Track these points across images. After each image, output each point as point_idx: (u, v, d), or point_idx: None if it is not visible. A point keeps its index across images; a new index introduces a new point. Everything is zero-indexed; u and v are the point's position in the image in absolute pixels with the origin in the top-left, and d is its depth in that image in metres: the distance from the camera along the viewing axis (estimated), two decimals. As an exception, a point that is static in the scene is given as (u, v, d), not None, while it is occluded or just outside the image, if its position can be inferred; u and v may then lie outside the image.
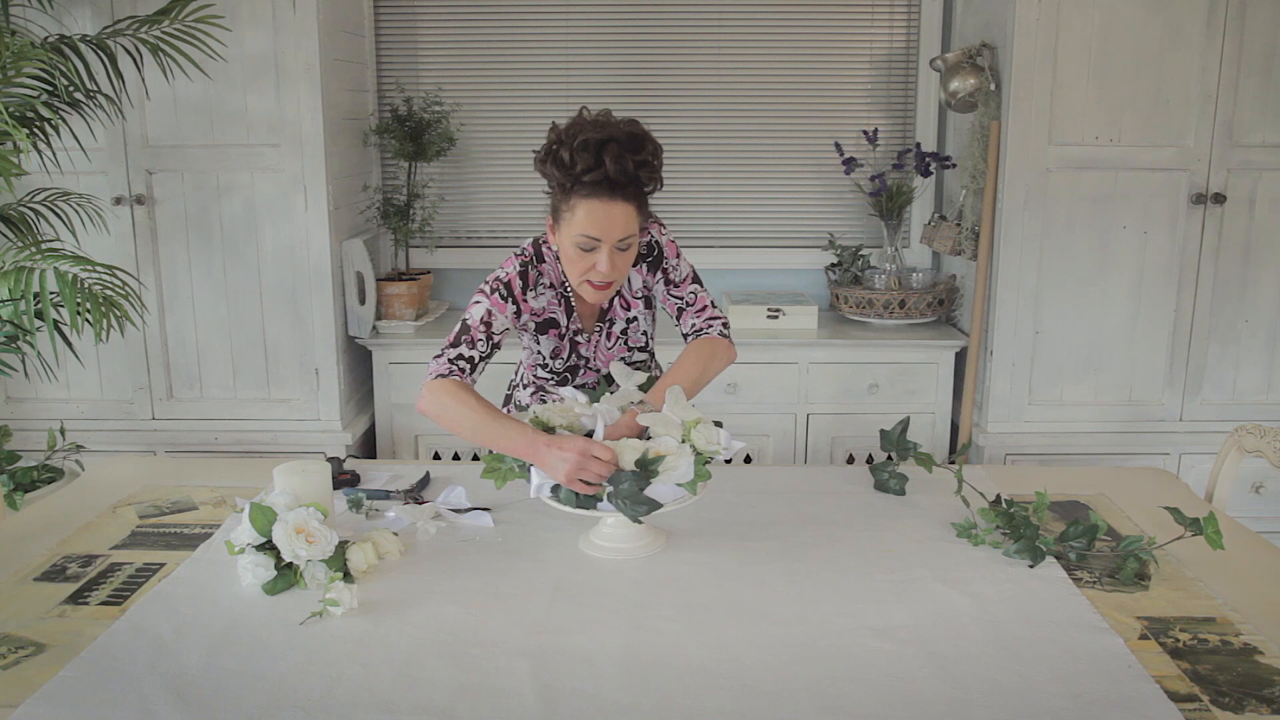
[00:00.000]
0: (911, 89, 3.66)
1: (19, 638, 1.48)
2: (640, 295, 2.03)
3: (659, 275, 2.00)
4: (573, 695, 1.33)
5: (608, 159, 1.71)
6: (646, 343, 2.10)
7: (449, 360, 1.85)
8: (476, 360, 1.86)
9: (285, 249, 3.11)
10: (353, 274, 3.26)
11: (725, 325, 2.03)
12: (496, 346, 1.89)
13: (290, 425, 3.21)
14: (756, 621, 1.52)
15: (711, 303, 2.05)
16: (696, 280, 2.04)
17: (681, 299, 2.02)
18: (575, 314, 2.01)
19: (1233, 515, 2.06)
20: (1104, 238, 3.07)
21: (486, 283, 1.93)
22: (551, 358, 2.04)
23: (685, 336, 2.04)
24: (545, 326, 2.00)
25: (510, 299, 1.91)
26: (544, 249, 1.97)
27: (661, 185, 1.83)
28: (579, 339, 2.03)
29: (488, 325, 1.88)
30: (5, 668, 1.40)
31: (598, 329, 2.04)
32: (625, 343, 2.06)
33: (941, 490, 2.04)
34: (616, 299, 2.03)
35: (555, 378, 2.07)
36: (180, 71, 2.75)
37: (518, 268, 1.93)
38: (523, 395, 2.18)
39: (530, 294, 1.94)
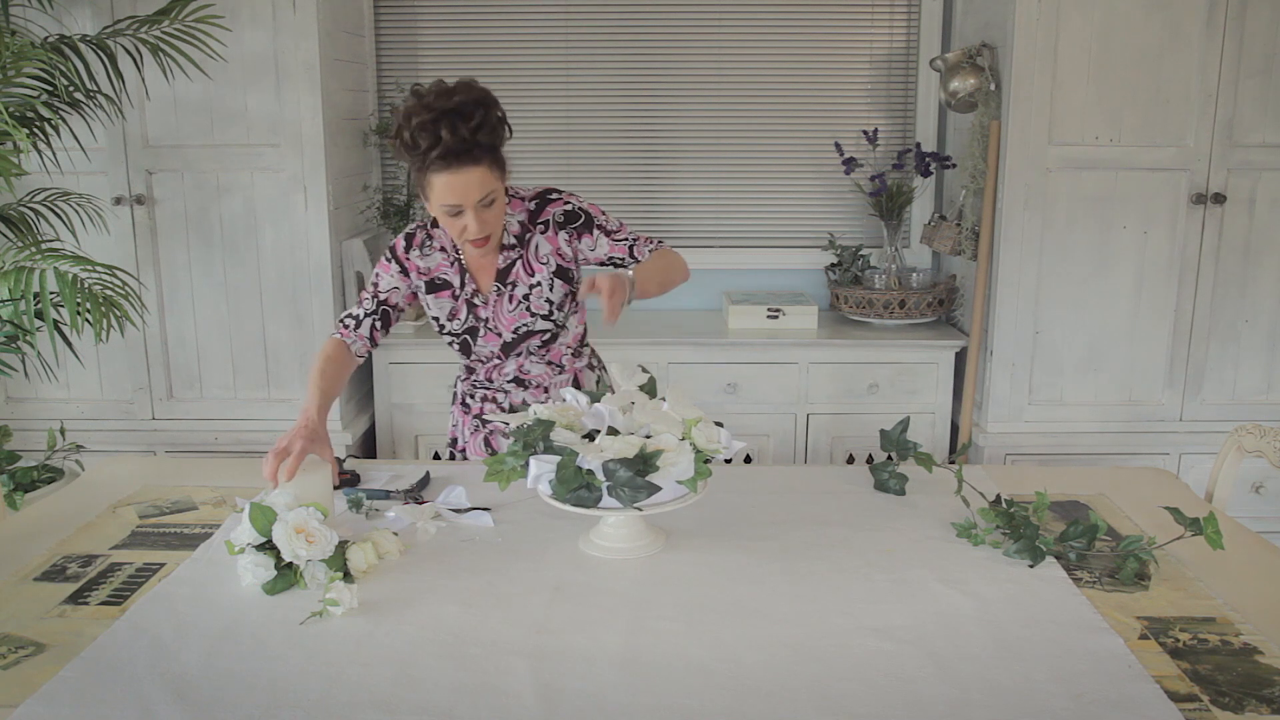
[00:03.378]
0: (911, 89, 3.66)
1: (19, 638, 1.48)
2: (547, 262, 2.08)
3: (596, 234, 2.08)
4: (573, 695, 1.33)
5: (444, 132, 1.82)
6: (550, 311, 2.11)
7: (338, 319, 2.10)
8: (361, 317, 2.08)
9: (285, 249, 3.11)
10: (353, 274, 3.26)
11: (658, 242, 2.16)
12: (386, 304, 2.08)
13: (290, 425, 3.19)
14: (756, 621, 1.52)
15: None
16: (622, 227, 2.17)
17: (626, 239, 2.10)
18: (469, 275, 2.10)
19: (1233, 515, 2.06)
20: (1104, 238, 3.07)
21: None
22: (449, 319, 2.13)
23: (635, 259, 2.11)
24: (435, 287, 2.11)
25: (393, 259, 2.10)
26: None
27: (510, 133, 1.93)
28: (476, 300, 2.11)
29: (375, 285, 2.09)
30: (5, 668, 1.40)
31: (496, 290, 2.10)
32: (528, 308, 2.11)
33: (941, 490, 2.04)
34: (520, 264, 2.09)
35: (456, 340, 2.14)
36: (180, 71, 2.75)
37: (406, 232, 2.12)
38: (460, 388, 2.29)
39: (415, 253, 2.10)
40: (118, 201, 3.08)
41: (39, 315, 2.47)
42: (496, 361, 2.17)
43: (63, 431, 3.04)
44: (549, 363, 2.18)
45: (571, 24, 3.60)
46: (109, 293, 2.49)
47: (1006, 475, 2.17)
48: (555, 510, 1.76)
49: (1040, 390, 3.17)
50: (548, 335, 2.14)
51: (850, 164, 3.49)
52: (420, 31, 3.62)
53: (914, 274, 3.56)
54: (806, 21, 3.61)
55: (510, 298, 2.10)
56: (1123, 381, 3.18)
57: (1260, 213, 3.06)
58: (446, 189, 1.87)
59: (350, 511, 1.93)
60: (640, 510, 1.67)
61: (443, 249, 2.10)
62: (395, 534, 1.78)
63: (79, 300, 2.39)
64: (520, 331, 2.11)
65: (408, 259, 2.09)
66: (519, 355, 2.16)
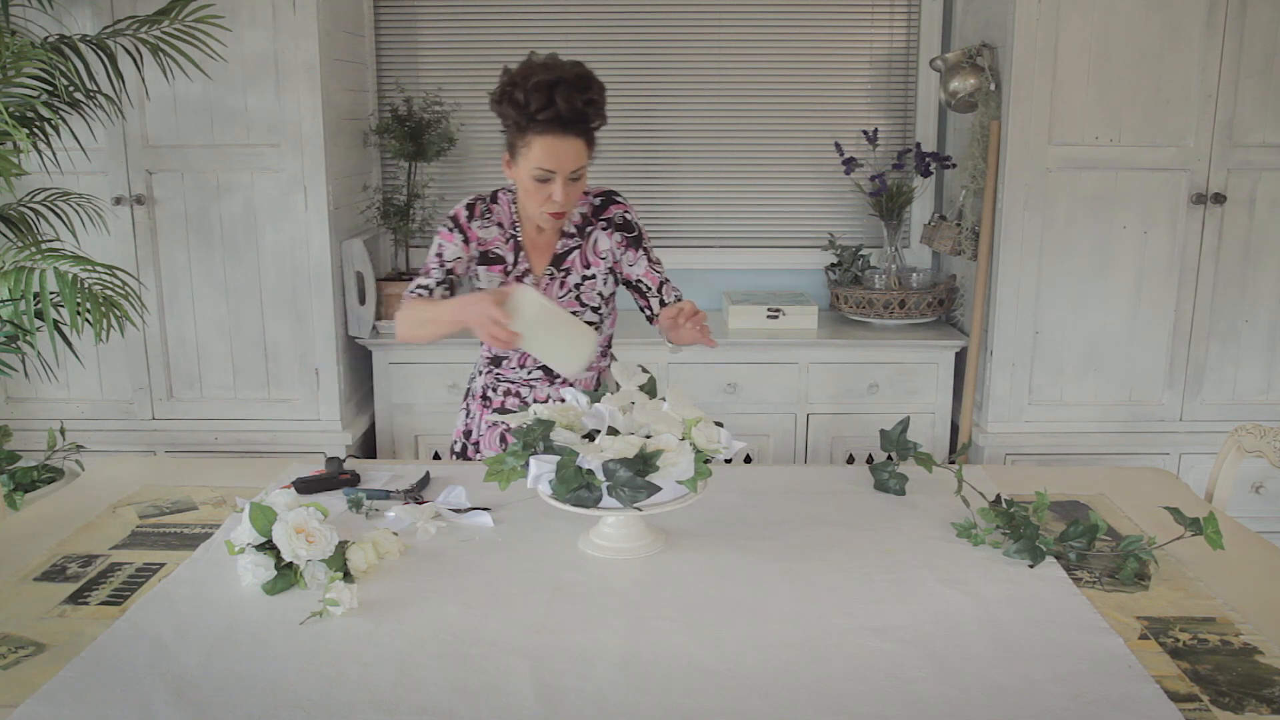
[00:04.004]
0: (911, 89, 3.66)
1: (19, 638, 1.48)
2: (605, 257, 2.14)
3: (640, 253, 2.14)
4: (573, 695, 1.33)
5: (559, 98, 1.87)
6: (600, 304, 2.16)
7: (409, 292, 2.08)
8: (432, 286, 2.07)
9: (285, 249, 3.11)
10: (353, 274, 3.26)
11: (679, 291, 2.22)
12: (452, 273, 2.09)
13: (290, 425, 3.21)
14: (756, 621, 1.52)
15: None
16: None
17: (660, 273, 2.17)
18: (524, 254, 2.13)
19: (1233, 515, 2.06)
20: (1104, 238, 3.07)
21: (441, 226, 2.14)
22: None
23: (661, 302, 2.16)
24: (489, 260, 2.13)
25: (456, 229, 2.11)
26: (500, 194, 2.15)
27: (605, 121, 2.00)
28: (526, 280, 2.13)
29: (440, 256, 2.10)
30: (5, 668, 1.40)
31: (549, 274, 2.13)
32: (578, 298, 2.14)
33: (941, 490, 2.04)
34: (578, 253, 2.13)
35: None
36: (180, 71, 2.75)
37: (467, 202, 2.13)
38: (479, 382, 2.28)
39: (476, 224, 2.11)
40: (118, 201, 3.08)
41: (39, 315, 2.47)
42: None
43: (63, 431, 3.04)
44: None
45: (571, 24, 3.60)
46: (109, 293, 2.49)
47: (1006, 475, 2.17)
48: (555, 510, 1.76)
49: (1040, 390, 3.17)
50: (591, 324, 2.16)
51: (850, 164, 3.49)
52: (420, 31, 3.63)
53: (914, 274, 3.56)
54: (806, 21, 3.61)
55: (562, 284, 2.13)
56: (1123, 381, 3.18)
57: (1260, 213, 3.06)
58: (546, 153, 1.91)
59: (350, 511, 1.94)
60: (640, 510, 1.67)
61: (499, 224, 2.12)
62: (395, 534, 1.78)
63: (79, 300, 2.39)
64: None
65: (469, 227, 2.10)
66: None
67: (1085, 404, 3.18)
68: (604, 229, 2.13)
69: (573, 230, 2.13)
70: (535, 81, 1.87)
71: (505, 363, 2.22)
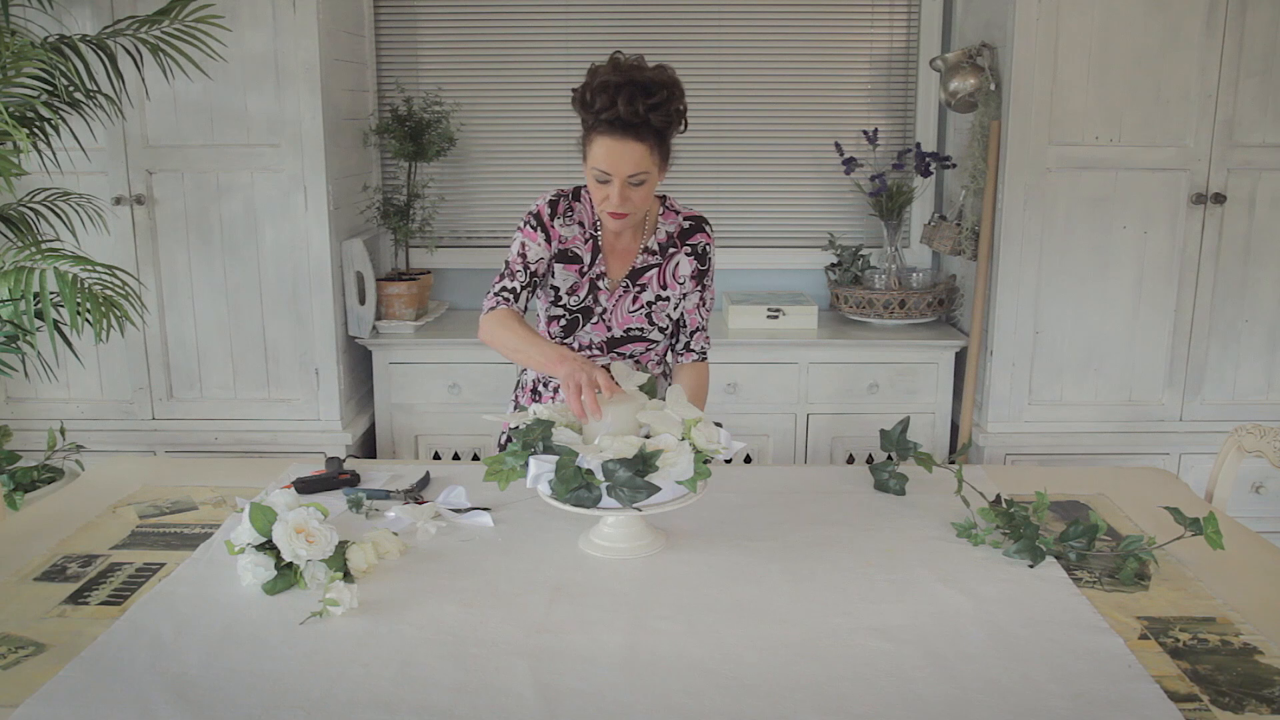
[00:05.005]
0: (911, 89, 3.66)
1: (19, 638, 1.48)
2: (683, 282, 2.14)
3: (698, 289, 2.16)
4: (573, 695, 1.33)
5: (620, 101, 1.85)
6: (668, 325, 2.16)
7: (495, 294, 2.05)
8: (519, 290, 2.04)
9: (285, 249, 3.11)
10: (353, 274, 3.26)
11: (709, 343, 2.24)
12: (536, 274, 2.06)
13: (290, 425, 3.21)
14: (756, 621, 1.52)
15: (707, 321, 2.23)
16: (713, 302, 2.23)
17: (703, 320, 2.19)
18: (602, 257, 2.11)
19: (1233, 515, 2.06)
20: (1104, 238, 3.07)
21: (522, 220, 2.09)
22: (568, 293, 2.11)
23: (686, 346, 2.19)
24: (566, 258, 2.09)
25: (539, 227, 2.07)
26: (584, 191, 2.11)
27: (684, 127, 1.97)
28: (600, 284, 2.11)
29: (523, 256, 2.05)
30: (5, 668, 1.40)
31: (625, 285, 2.11)
32: (648, 315, 2.13)
33: (941, 490, 2.04)
34: (656, 272, 2.11)
35: (567, 316, 2.12)
36: (180, 71, 2.75)
37: (549, 198, 2.09)
38: (530, 374, 2.25)
39: (558, 221, 2.08)
40: (118, 201, 3.07)
41: (39, 315, 2.47)
42: (594, 354, 2.16)
43: (63, 431, 3.04)
44: (636, 363, 2.19)
45: (571, 24, 3.60)
46: (109, 293, 2.49)
47: (1006, 475, 2.17)
48: (555, 510, 1.76)
49: (1040, 390, 3.17)
50: (653, 344, 2.17)
51: (850, 164, 3.49)
52: (420, 31, 3.62)
53: (914, 274, 3.56)
54: (806, 21, 3.61)
55: (634, 298, 2.12)
56: (1123, 381, 3.18)
57: (1260, 213, 3.06)
58: (603, 154, 1.89)
59: (350, 511, 1.94)
60: (639, 510, 1.67)
61: (581, 223, 2.10)
62: (395, 534, 1.78)
63: (79, 300, 2.38)
64: (630, 333, 2.13)
65: (552, 225, 2.07)
66: (618, 353, 2.16)
67: (1085, 404, 3.18)
68: (687, 254, 2.12)
69: (655, 248, 2.11)
70: (601, 81, 1.86)
71: None
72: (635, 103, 1.84)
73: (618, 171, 1.90)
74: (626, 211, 1.96)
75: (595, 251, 2.10)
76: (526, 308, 2.06)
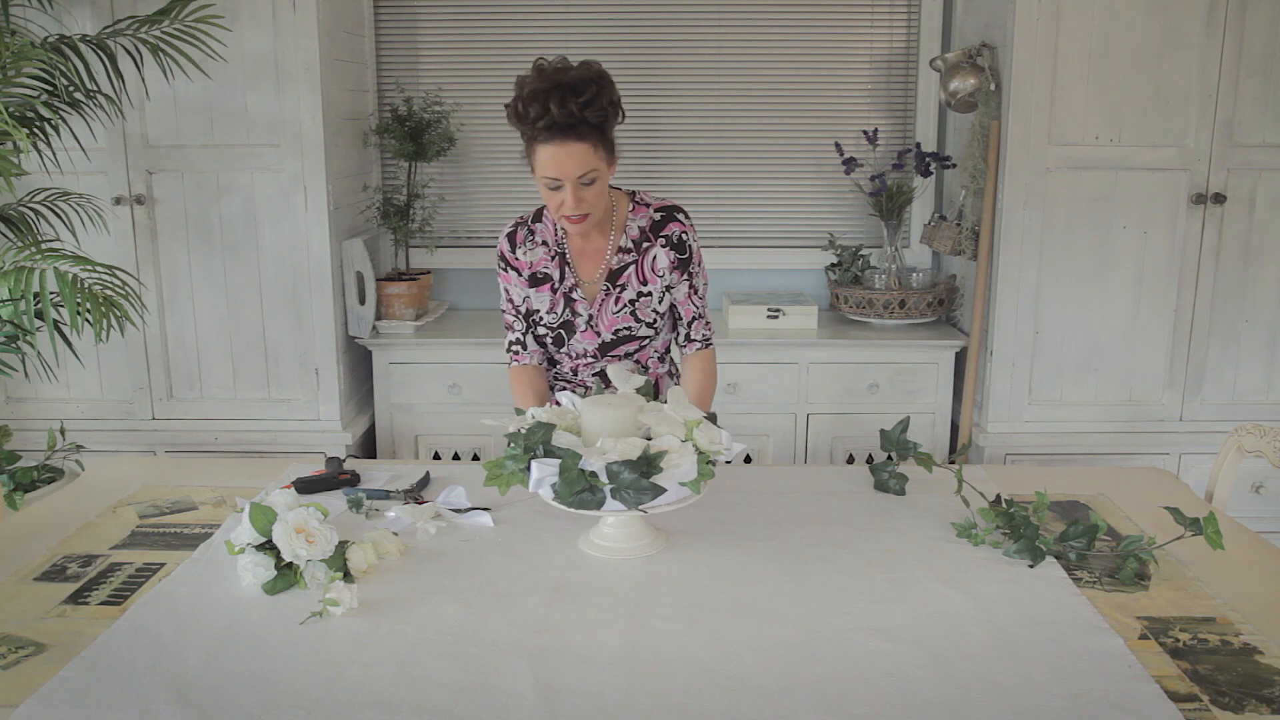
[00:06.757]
0: (911, 89, 3.66)
1: (19, 638, 1.48)
2: (662, 275, 2.12)
3: (684, 278, 2.14)
4: (573, 695, 1.33)
5: (553, 105, 1.85)
6: (655, 320, 2.15)
7: (507, 349, 2.19)
8: (522, 337, 2.17)
9: (285, 249, 3.11)
10: (353, 274, 3.26)
11: (710, 329, 2.23)
12: (530, 313, 2.15)
13: (290, 425, 3.21)
14: (756, 621, 1.52)
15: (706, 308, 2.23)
16: (706, 288, 2.21)
17: (698, 309, 2.17)
18: (570, 269, 2.12)
19: (1233, 515, 2.06)
20: (1104, 237, 3.07)
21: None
22: (548, 312, 2.14)
23: (687, 337, 2.19)
24: (537, 281, 2.13)
25: (508, 267, 2.14)
26: (544, 211, 2.14)
27: (621, 117, 1.96)
28: (575, 295, 2.12)
29: (511, 302, 2.15)
30: (5, 668, 1.40)
31: (605, 289, 2.11)
32: (633, 313, 2.13)
33: (941, 490, 2.04)
34: (634, 269, 2.10)
35: (551, 333, 2.16)
36: (180, 71, 2.75)
37: (506, 231, 2.14)
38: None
39: (520, 251, 2.12)
40: (118, 201, 3.07)
41: (39, 315, 2.47)
42: (590, 360, 2.18)
43: (63, 431, 3.04)
44: (636, 361, 2.20)
45: (571, 24, 3.60)
46: (109, 293, 2.49)
47: (1006, 475, 2.17)
48: (555, 510, 1.76)
49: (1040, 390, 3.17)
50: (645, 340, 2.17)
51: (850, 164, 3.49)
52: (420, 31, 3.62)
53: (914, 274, 3.56)
54: (806, 21, 3.61)
55: (617, 300, 2.12)
56: (1123, 381, 3.17)
57: (1260, 213, 3.06)
58: (549, 161, 1.90)
59: (350, 511, 1.94)
60: (645, 512, 1.67)
61: (544, 243, 2.12)
62: (395, 534, 1.78)
63: (79, 300, 2.38)
64: (620, 334, 2.14)
65: (517, 259, 2.12)
66: (613, 355, 2.17)
67: (1085, 404, 3.18)
68: (662, 245, 2.11)
69: (629, 245, 2.10)
70: (530, 90, 1.87)
71: (558, 366, 2.24)
72: (567, 104, 1.85)
73: (566, 174, 1.90)
74: (585, 213, 1.96)
75: (564, 265, 2.11)
76: (541, 345, 2.17)
